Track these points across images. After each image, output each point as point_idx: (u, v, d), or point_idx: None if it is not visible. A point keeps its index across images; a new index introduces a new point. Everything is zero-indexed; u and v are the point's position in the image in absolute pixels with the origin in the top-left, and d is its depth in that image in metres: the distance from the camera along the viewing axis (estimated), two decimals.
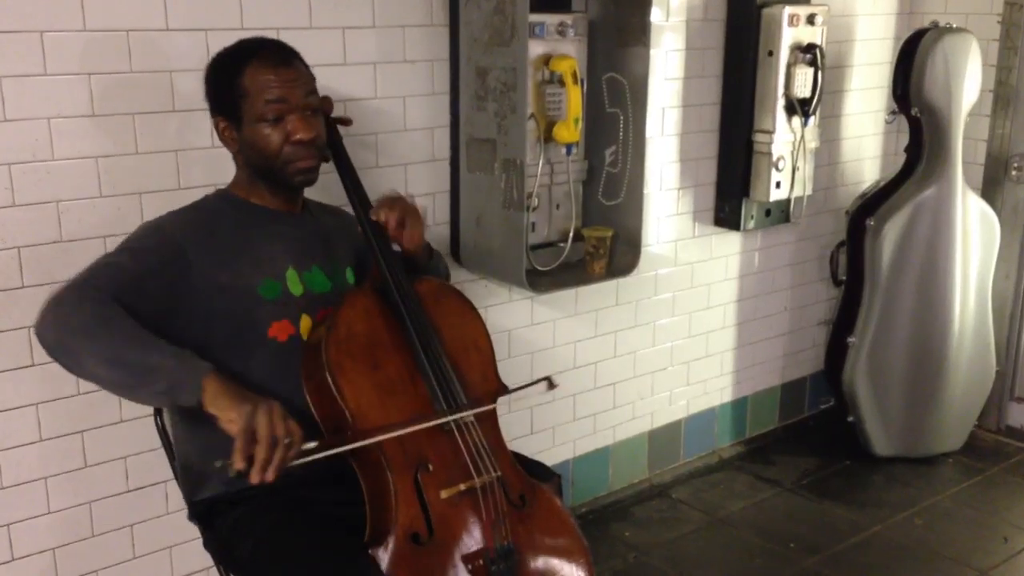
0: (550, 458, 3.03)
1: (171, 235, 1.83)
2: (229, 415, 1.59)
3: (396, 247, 2.02)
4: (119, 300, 1.67)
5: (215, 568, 2.03)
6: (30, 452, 2.13)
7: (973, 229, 3.42)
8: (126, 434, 2.24)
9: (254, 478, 1.57)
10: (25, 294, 2.05)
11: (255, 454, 1.57)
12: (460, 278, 2.68)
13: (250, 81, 1.85)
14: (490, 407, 1.93)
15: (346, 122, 2.14)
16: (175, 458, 2.05)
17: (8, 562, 2.15)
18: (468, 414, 1.86)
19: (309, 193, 2.06)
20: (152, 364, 1.62)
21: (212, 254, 1.85)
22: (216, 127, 1.93)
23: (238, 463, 1.56)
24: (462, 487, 1.81)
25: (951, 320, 3.43)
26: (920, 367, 3.48)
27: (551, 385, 1.99)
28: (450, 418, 1.84)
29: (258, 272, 1.89)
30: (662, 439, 3.44)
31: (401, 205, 2.01)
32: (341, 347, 1.80)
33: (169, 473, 2.18)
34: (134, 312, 1.68)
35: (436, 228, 2.67)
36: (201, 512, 1.95)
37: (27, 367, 2.09)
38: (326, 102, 2.10)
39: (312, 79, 1.94)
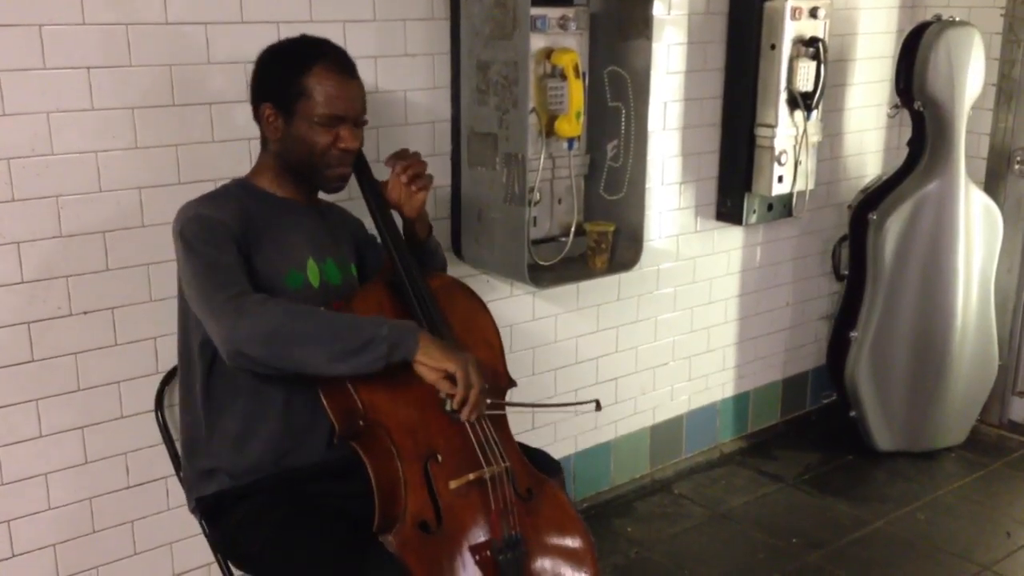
0: (552, 453, 2.98)
1: (223, 222, 1.85)
2: (446, 366, 1.73)
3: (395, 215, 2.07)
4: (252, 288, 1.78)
5: (216, 564, 2.03)
6: (31, 448, 2.12)
7: (976, 223, 3.41)
8: (127, 430, 2.23)
9: (465, 414, 1.76)
10: (25, 289, 2.05)
11: (469, 396, 1.75)
12: (461, 273, 2.67)
13: (315, 84, 1.88)
14: (501, 412, 1.96)
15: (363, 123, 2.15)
16: (177, 454, 2.05)
17: (9, 558, 2.14)
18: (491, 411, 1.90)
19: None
20: (367, 336, 1.72)
21: (247, 236, 1.87)
22: (259, 111, 1.94)
23: (457, 403, 1.75)
24: (471, 477, 1.82)
25: (954, 314, 3.43)
26: (922, 362, 3.47)
27: (598, 407, 2.08)
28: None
29: (284, 261, 1.92)
30: (664, 434, 3.43)
31: (416, 161, 2.08)
32: None
33: (169, 469, 2.18)
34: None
35: (438, 222, 2.65)
36: (206, 508, 1.95)
37: (27, 363, 2.08)
38: None
39: (365, 96, 1.98)
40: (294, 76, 1.88)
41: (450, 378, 1.74)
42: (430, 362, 1.73)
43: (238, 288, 1.75)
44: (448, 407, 1.78)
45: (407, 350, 1.73)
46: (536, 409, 2.02)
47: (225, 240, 1.82)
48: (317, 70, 1.88)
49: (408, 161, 2.08)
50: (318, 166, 1.92)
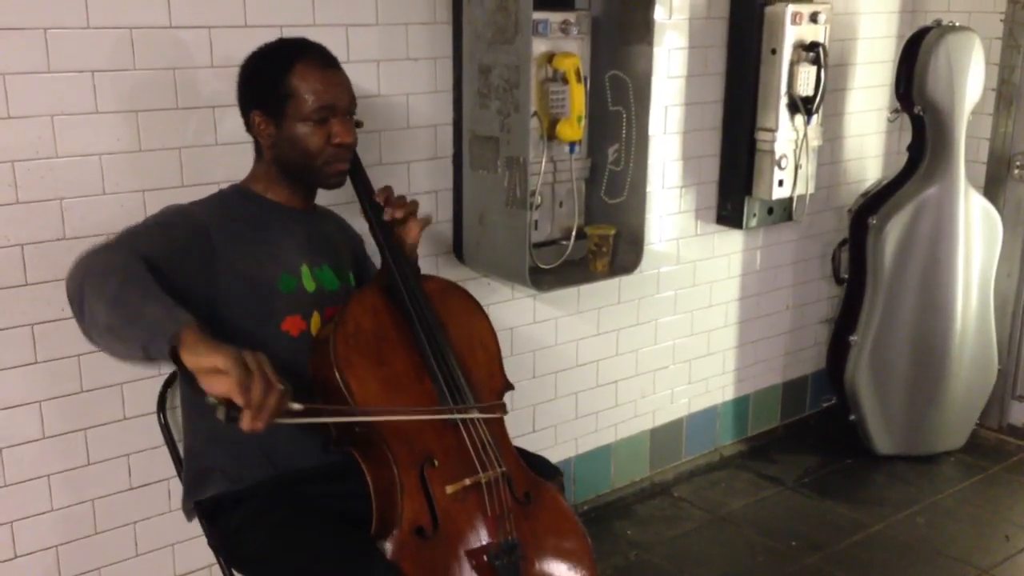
0: (552, 456, 2.98)
1: (198, 218, 1.85)
2: (212, 360, 1.44)
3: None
4: (142, 259, 1.65)
5: (217, 566, 2.03)
6: (33, 449, 2.13)
7: (975, 227, 3.42)
8: (129, 431, 2.24)
9: (247, 424, 1.45)
10: (28, 291, 2.05)
11: (249, 396, 1.44)
12: (462, 276, 2.68)
13: (300, 81, 1.88)
14: (499, 415, 1.94)
15: (357, 124, 2.15)
16: (179, 456, 2.05)
17: (11, 559, 2.15)
18: (478, 416, 1.87)
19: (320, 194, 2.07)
20: (142, 311, 1.52)
21: (235, 242, 1.86)
22: (249, 121, 1.94)
23: (238, 399, 1.43)
24: (467, 482, 1.82)
25: (953, 319, 3.43)
26: (922, 365, 3.48)
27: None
28: (455, 416, 1.85)
29: (276, 265, 1.91)
30: (664, 437, 3.44)
31: (407, 203, 2.03)
32: (349, 343, 1.81)
33: (171, 471, 2.19)
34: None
35: (439, 226, 2.67)
36: (205, 510, 1.96)
37: (31, 364, 2.08)
38: None
39: (352, 87, 1.97)
40: (278, 78, 1.88)
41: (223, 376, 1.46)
42: (195, 359, 1.46)
43: (127, 241, 1.70)
44: (221, 415, 1.45)
45: (163, 341, 1.47)
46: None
47: (178, 227, 1.80)
48: (300, 68, 1.88)
49: (399, 202, 2.02)
50: (315, 165, 1.91)
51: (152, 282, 1.60)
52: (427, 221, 2.08)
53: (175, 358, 1.49)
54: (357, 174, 2.05)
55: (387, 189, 2.04)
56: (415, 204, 2.05)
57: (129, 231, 1.77)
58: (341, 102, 1.90)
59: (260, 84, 1.92)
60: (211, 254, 1.82)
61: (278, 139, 1.91)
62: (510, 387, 2.03)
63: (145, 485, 2.29)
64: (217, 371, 1.45)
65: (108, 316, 1.55)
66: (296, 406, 1.54)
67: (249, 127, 1.95)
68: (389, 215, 2.00)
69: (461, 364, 1.91)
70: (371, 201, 2.03)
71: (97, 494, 2.23)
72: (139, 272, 1.61)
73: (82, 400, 2.16)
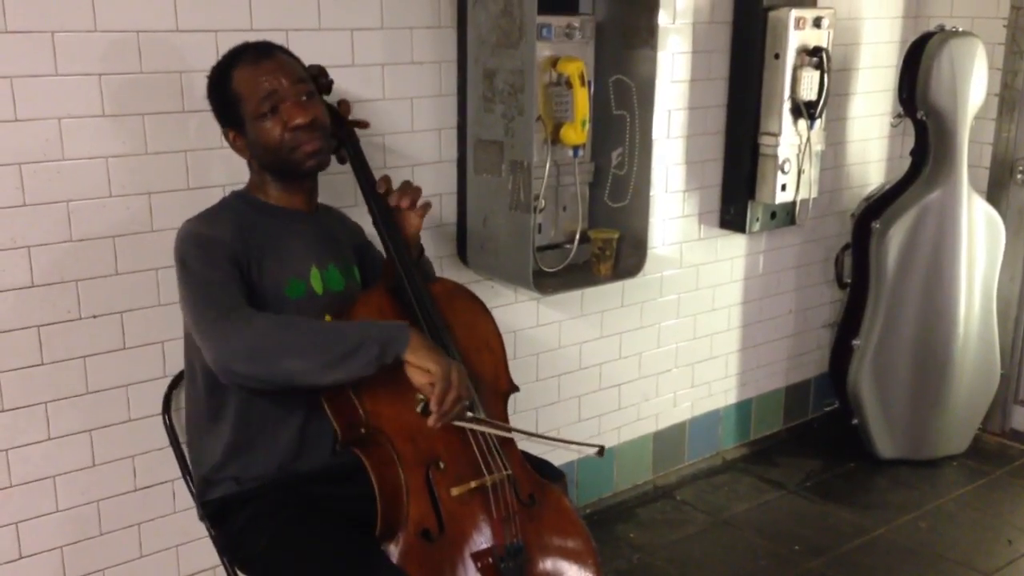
0: (555, 459, 3.00)
1: (219, 239, 1.86)
2: (428, 365, 1.73)
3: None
4: (246, 303, 1.78)
5: (222, 567, 2.04)
6: (39, 450, 2.14)
7: (978, 232, 3.43)
8: (134, 433, 2.24)
9: (434, 421, 1.74)
10: (35, 293, 2.06)
11: (444, 401, 1.73)
12: (466, 279, 2.69)
13: (239, 83, 1.90)
14: (508, 434, 1.95)
15: (363, 124, 2.16)
16: (184, 458, 2.06)
17: (16, 560, 2.16)
18: (514, 432, 1.92)
19: (324, 195, 2.09)
20: (356, 340, 1.72)
21: (245, 251, 1.88)
22: (227, 139, 1.97)
23: (434, 405, 1.73)
24: (473, 485, 1.83)
25: (956, 323, 3.44)
26: (925, 370, 3.49)
27: (600, 453, 1.98)
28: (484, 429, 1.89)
29: (284, 271, 1.92)
30: (666, 441, 3.44)
31: (414, 189, 2.06)
32: None
33: (176, 472, 2.19)
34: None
35: (443, 229, 2.68)
36: (212, 511, 1.96)
37: (37, 365, 2.10)
38: (343, 105, 2.13)
39: (299, 66, 1.97)
40: (224, 90, 1.91)
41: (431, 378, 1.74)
42: (416, 360, 1.74)
43: (228, 305, 1.75)
44: (420, 408, 1.77)
45: (399, 347, 1.73)
46: (519, 435, 1.97)
47: (219, 257, 1.83)
48: (237, 72, 1.90)
49: (404, 188, 2.05)
50: (284, 155, 1.91)
51: (309, 320, 1.81)
52: (427, 207, 2.07)
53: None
54: (365, 178, 2.06)
55: (386, 179, 2.05)
56: (418, 192, 2.06)
57: (207, 295, 1.78)
58: (282, 85, 1.89)
59: (218, 102, 1.95)
60: (240, 265, 1.86)
61: (250, 146, 1.93)
62: (515, 389, 2.04)
63: (150, 486, 2.30)
64: (427, 372, 1.73)
65: (322, 366, 1.73)
66: (470, 414, 1.83)
67: (232, 146, 1.98)
68: (396, 200, 2.02)
69: (467, 366, 1.91)
70: (374, 194, 2.04)
71: (102, 495, 2.24)
72: (290, 322, 1.79)
73: (88, 401, 2.17)
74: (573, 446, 2.12)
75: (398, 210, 2.03)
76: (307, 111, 1.90)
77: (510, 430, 1.93)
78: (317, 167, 1.96)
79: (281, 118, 1.89)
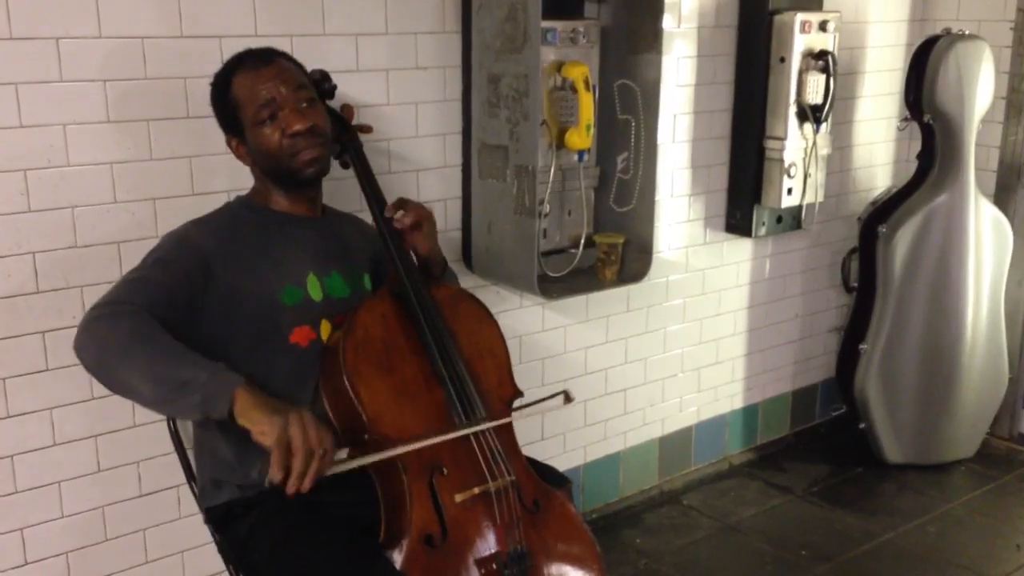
0: (561, 464, 3.02)
1: (196, 244, 1.85)
2: (261, 428, 1.58)
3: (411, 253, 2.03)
4: (152, 313, 1.70)
5: (227, 572, 2.03)
6: (44, 456, 2.14)
7: (986, 236, 3.41)
8: (139, 439, 2.24)
9: (291, 489, 1.57)
10: (40, 299, 2.07)
11: (292, 465, 1.57)
12: (471, 284, 2.68)
13: (239, 90, 1.90)
14: (508, 420, 1.93)
15: (366, 129, 2.16)
16: (191, 463, 2.06)
17: (21, 566, 2.16)
18: (487, 426, 1.87)
19: (328, 200, 2.08)
20: (186, 378, 1.61)
21: (235, 261, 1.87)
22: (230, 147, 1.97)
23: (275, 475, 1.56)
24: (476, 491, 1.81)
25: (963, 327, 3.42)
26: (932, 374, 3.47)
27: (568, 399, 1.95)
28: (472, 429, 1.85)
29: (280, 278, 1.90)
30: (673, 445, 3.43)
31: (415, 208, 2.02)
32: (358, 351, 1.81)
33: (181, 478, 2.18)
34: (164, 322, 1.70)
35: (448, 234, 2.67)
36: (217, 517, 1.96)
37: (42, 371, 2.10)
38: (347, 110, 2.13)
39: (300, 73, 1.97)
40: (225, 97, 1.91)
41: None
42: (251, 425, 1.59)
43: (124, 300, 1.71)
44: (266, 482, 1.60)
45: (222, 406, 1.60)
46: (419, 445, 1.84)
47: (178, 262, 1.81)
48: (236, 79, 1.90)
49: (407, 212, 2.00)
50: (283, 161, 1.90)
51: (173, 342, 1.66)
52: (419, 226, 2.02)
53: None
54: (365, 179, 2.05)
55: (399, 201, 2.03)
56: (424, 213, 2.01)
57: (126, 282, 1.77)
58: (280, 93, 1.88)
59: (218, 110, 1.96)
60: (212, 278, 1.83)
61: (251, 153, 1.93)
62: (519, 395, 2.03)
63: (155, 492, 2.30)
64: (263, 435, 1.58)
65: (149, 389, 1.63)
66: (341, 454, 1.68)
67: (234, 153, 1.98)
68: (399, 223, 1.98)
69: (471, 372, 1.91)
70: (377, 200, 2.03)
71: (107, 501, 2.24)
72: (157, 337, 1.66)
73: (92, 407, 2.17)
74: (537, 405, 1.99)
75: (408, 232, 2.00)
76: (306, 118, 1.90)
77: (384, 448, 1.74)
78: (317, 174, 1.96)
79: (280, 125, 1.88)
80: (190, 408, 1.62)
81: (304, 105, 1.91)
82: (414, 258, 2.03)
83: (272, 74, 1.90)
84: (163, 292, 1.76)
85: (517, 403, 2.01)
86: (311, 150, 1.91)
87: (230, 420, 1.61)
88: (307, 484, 1.58)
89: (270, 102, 1.88)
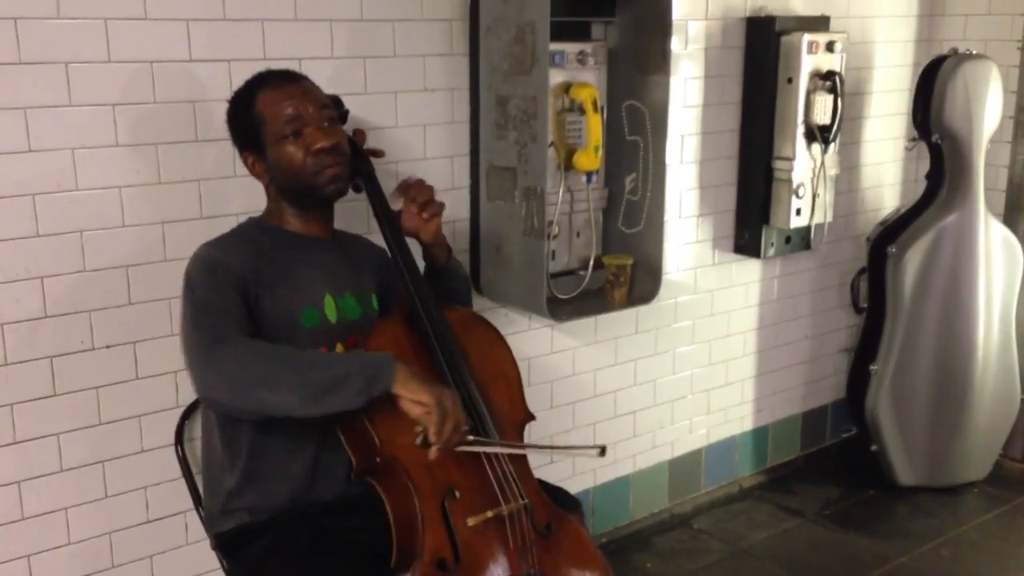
0: (571, 487, 2.96)
1: (228, 265, 1.86)
2: (420, 396, 1.69)
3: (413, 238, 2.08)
4: (242, 333, 1.76)
5: None
6: (51, 482, 2.12)
7: (996, 256, 3.40)
8: (147, 464, 2.23)
9: (435, 453, 1.71)
10: (48, 324, 2.06)
11: (442, 431, 1.70)
12: (480, 306, 2.67)
13: (263, 106, 1.90)
14: (522, 451, 1.94)
15: (378, 154, 2.16)
16: (199, 489, 2.04)
17: None
18: (530, 447, 1.93)
19: (338, 223, 2.08)
20: (339, 373, 1.70)
21: (260, 279, 1.88)
22: (246, 164, 1.97)
23: (432, 435, 1.70)
24: (489, 514, 1.80)
25: (975, 348, 3.40)
26: (944, 395, 3.45)
27: (603, 453, 1.94)
28: (516, 449, 1.90)
29: (299, 300, 1.91)
30: (682, 468, 3.40)
31: (422, 188, 2.07)
32: None
33: (189, 503, 2.18)
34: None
35: (456, 255, 2.65)
36: (225, 543, 1.94)
37: (49, 396, 2.08)
38: (359, 134, 2.13)
39: (322, 94, 1.98)
40: (247, 113, 1.92)
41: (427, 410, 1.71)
42: (407, 394, 1.70)
43: (219, 331, 1.73)
44: (419, 440, 1.73)
45: (386, 381, 1.70)
46: (526, 450, 1.96)
47: (223, 283, 1.82)
48: (261, 95, 1.91)
49: (415, 191, 2.09)
50: (306, 179, 1.91)
51: (297, 351, 1.78)
52: (435, 211, 2.10)
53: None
54: (379, 204, 2.05)
55: (403, 182, 2.10)
56: (424, 192, 2.09)
57: (203, 320, 1.77)
58: (307, 110, 1.90)
59: (238, 126, 1.96)
60: (248, 294, 1.86)
61: (271, 169, 1.93)
62: (531, 418, 2.02)
63: (162, 518, 2.28)
64: (420, 404, 1.70)
65: (304, 398, 1.69)
66: (471, 438, 1.80)
67: (250, 171, 1.98)
68: (403, 203, 2.06)
69: (483, 395, 1.90)
70: (389, 223, 2.03)
71: (114, 527, 2.22)
72: (278, 352, 1.75)
73: (100, 433, 2.16)
74: (576, 451, 2.06)
75: (409, 215, 2.04)
76: (330, 135, 1.91)
77: (512, 446, 1.91)
78: (337, 193, 1.97)
79: (304, 142, 1.89)
80: (354, 396, 1.70)
81: (327, 124, 1.92)
82: (423, 258, 2.09)
83: (298, 92, 1.92)
84: (235, 315, 1.80)
85: (552, 439, 2.05)
86: (334, 168, 1.92)
87: (385, 395, 1.70)
88: (450, 447, 1.73)
89: (295, 119, 1.89)
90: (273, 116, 1.89)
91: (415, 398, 1.69)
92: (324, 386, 1.69)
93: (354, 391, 1.69)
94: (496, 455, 1.86)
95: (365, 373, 1.69)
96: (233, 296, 1.82)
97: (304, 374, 1.69)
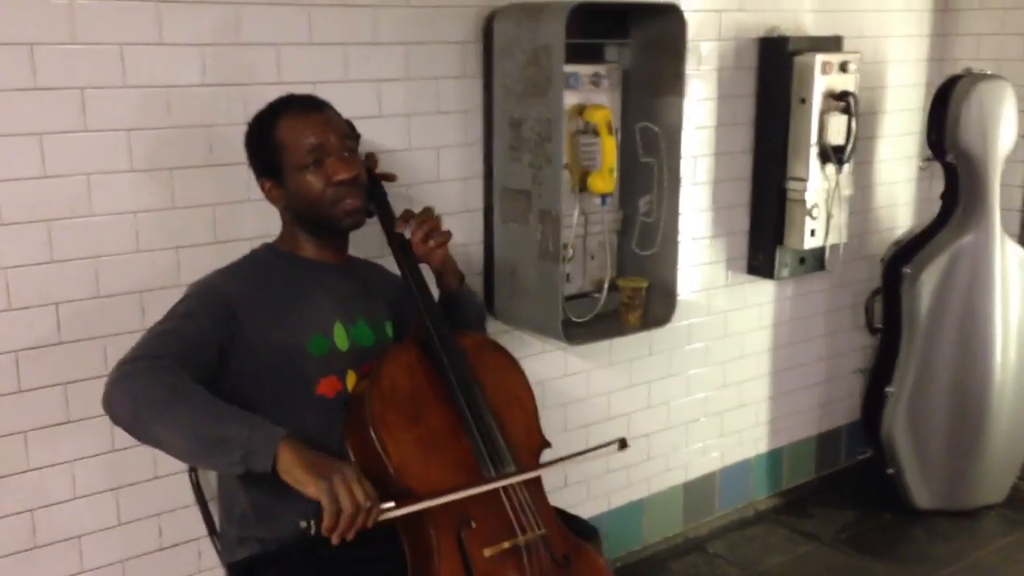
0: (584, 511, 2.97)
1: (222, 293, 1.84)
2: (307, 489, 1.57)
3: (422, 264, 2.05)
4: (183, 366, 1.68)
5: None
6: (65, 510, 2.11)
7: (1012, 276, 3.37)
8: (160, 491, 2.21)
9: (336, 540, 1.57)
10: (62, 350, 2.05)
11: (339, 524, 1.56)
12: (493, 329, 2.65)
13: (285, 133, 1.89)
14: (536, 473, 1.90)
15: (390, 178, 2.15)
16: (213, 519, 2.02)
17: None
18: (518, 479, 1.84)
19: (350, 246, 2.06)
20: (226, 435, 1.60)
21: (262, 309, 1.85)
22: (263, 188, 1.95)
23: (324, 529, 1.56)
24: (506, 545, 1.77)
25: (992, 369, 3.37)
26: (961, 417, 3.41)
27: (623, 445, 1.92)
28: (506, 482, 1.81)
29: (307, 328, 1.88)
30: (697, 491, 3.37)
31: (427, 218, 2.04)
32: (384, 401, 1.78)
33: (202, 530, 2.15)
34: (194, 375, 1.68)
35: (469, 279, 2.64)
36: (239, 572, 1.92)
37: (63, 424, 2.07)
38: (371, 158, 2.12)
39: (344, 123, 1.97)
40: (267, 138, 1.90)
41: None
42: (291, 482, 1.58)
43: (154, 353, 1.69)
44: (312, 530, 1.58)
45: (264, 463, 1.58)
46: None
47: (205, 315, 1.79)
48: (283, 122, 1.89)
49: (418, 220, 2.05)
50: (323, 209, 1.90)
51: (208, 397, 1.65)
52: (442, 239, 2.06)
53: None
54: (391, 230, 2.04)
55: (406, 212, 2.05)
56: (432, 223, 2.04)
57: (155, 335, 1.75)
58: (329, 140, 1.89)
59: (258, 150, 1.94)
60: (238, 329, 1.81)
61: (288, 196, 1.92)
62: (547, 445, 2.00)
63: (176, 545, 2.26)
64: (310, 494, 1.57)
65: (188, 444, 1.63)
66: (386, 506, 1.64)
67: (266, 195, 1.96)
68: (410, 232, 2.01)
69: (498, 422, 1.88)
70: (402, 248, 2.02)
71: (128, 555, 2.20)
72: (192, 393, 1.64)
73: (113, 459, 2.14)
74: (590, 453, 1.94)
75: (415, 244, 2.02)
76: (351, 167, 1.90)
77: (442, 495, 1.72)
78: (354, 225, 1.96)
79: (325, 172, 1.88)
80: (231, 465, 1.61)
81: (347, 155, 1.91)
82: (436, 286, 2.06)
83: (321, 121, 1.90)
84: (192, 345, 1.74)
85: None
86: (353, 200, 1.91)
87: (273, 476, 1.59)
88: (350, 536, 1.58)
89: (317, 148, 1.88)
90: (295, 144, 1.88)
91: (301, 489, 1.57)
92: (208, 442, 1.60)
93: (231, 460, 1.59)
94: (513, 484, 1.83)
95: (246, 445, 1.59)
96: (204, 330, 1.77)
97: (197, 424, 1.61)
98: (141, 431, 1.65)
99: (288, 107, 1.92)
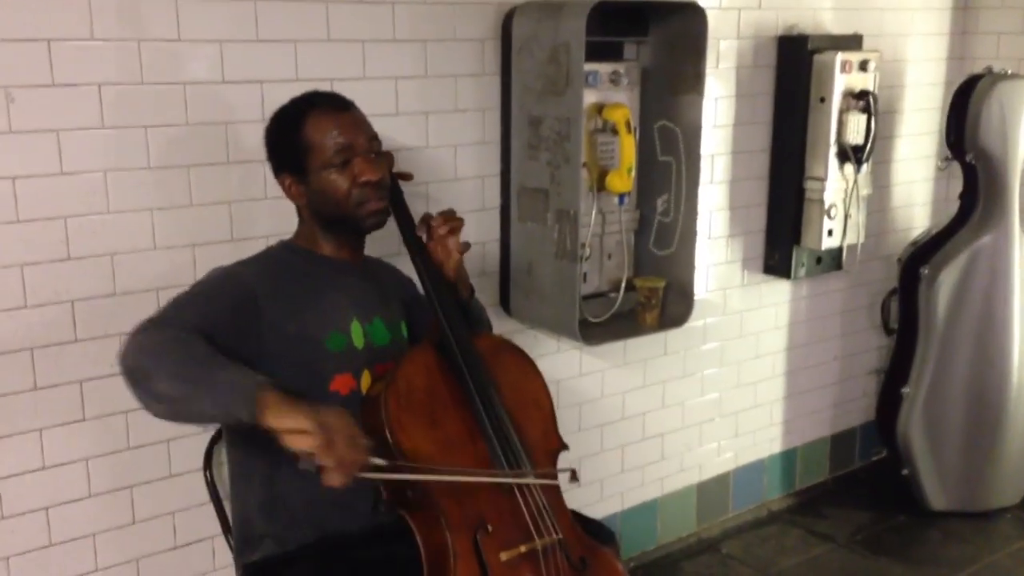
0: (598, 511, 2.96)
1: (244, 281, 1.82)
2: (296, 421, 1.51)
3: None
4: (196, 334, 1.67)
5: None
6: (79, 508, 2.10)
7: None
8: (175, 489, 2.21)
9: (330, 479, 1.52)
10: (78, 348, 2.04)
11: (332, 455, 1.50)
12: (508, 328, 2.64)
13: (312, 131, 1.86)
14: (555, 482, 1.88)
15: (407, 177, 2.13)
16: (228, 518, 2.01)
17: None
18: (533, 481, 1.82)
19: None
20: (213, 379, 1.58)
21: (282, 303, 1.83)
22: (282, 185, 1.93)
23: (321, 459, 1.49)
24: (523, 549, 1.76)
25: (1009, 371, 3.35)
26: (977, 419, 3.39)
27: (573, 478, 1.89)
28: (517, 480, 1.79)
29: (325, 324, 1.87)
30: (711, 491, 3.36)
31: (450, 216, 2.02)
32: (401, 402, 1.77)
33: (217, 529, 2.14)
34: None
35: (486, 277, 2.64)
36: (253, 573, 1.91)
37: (78, 421, 2.07)
38: (388, 157, 2.10)
39: (370, 124, 1.95)
40: (293, 135, 1.88)
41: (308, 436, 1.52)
42: (280, 424, 1.51)
43: (171, 319, 1.68)
44: (311, 468, 1.51)
45: (246, 405, 1.53)
46: (460, 478, 1.78)
47: (226, 296, 1.78)
48: (311, 120, 1.87)
49: (437, 222, 2.02)
50: (348, 209, 1.88)
51: (212, 350, 1.63)
52: (465, 247, 2.03)
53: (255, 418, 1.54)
54: (409, 231, 2.02)
55: (426, 215, 2.03)
56: (458, 222, 2.02)
57: (174, 303, 1.75)
58: (358, 141, 1.87)
59: (280, 146, 1.92)
60: (257, 317, 1.80)
61: (310, 194, 1.89)
62: (565, 447, 1.98)
63: (190, 543, 2.25)
64: (301, 431, 1.51)
65: (177, 389, 1.59)
66: (378, 461, 1.59)
67: (285, 192, 1.94)
68: (433, 226, 1.99)
69: (515, 425, 1.86)
70: (419, 249, 2.00)
71: (142, 553, 2.20)
72: (197, 343, 1.63)
73: (128, 457, 2.14)
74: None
75: (435, 246, 2.00)
76: (377, 169, 1.89)
77: (438, 472, 1.68)
78: (376, 226, 1.94)
79: (352, 172, 1.86)
80: (214, 409, 1.58)
81: (373, 156, 1.90)
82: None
83: (350, 121, 1.89)
84: (208, 320, 1.72)
85: (580, 463, 1.94)
86: (377, 201, 1.90)
87: (259, 426, 1.53)
88: (347, 476, 1.53)
89: (346, 148, 1.86)
90: (322, 143, 1.85)
91: (292, 425, 1.51)
92: (195, 385, 1.57)
93: (217, 404, 1.57)
94: (529, 486, 1.82)
95: (230, 388, 1.56)
96: (222, 309, 1.76)
97: (189, 366, 1.59)
98: (140, 378, 1.61)
99: (315, 105, 1.89)
